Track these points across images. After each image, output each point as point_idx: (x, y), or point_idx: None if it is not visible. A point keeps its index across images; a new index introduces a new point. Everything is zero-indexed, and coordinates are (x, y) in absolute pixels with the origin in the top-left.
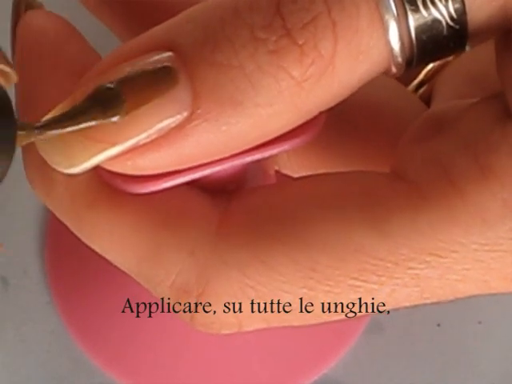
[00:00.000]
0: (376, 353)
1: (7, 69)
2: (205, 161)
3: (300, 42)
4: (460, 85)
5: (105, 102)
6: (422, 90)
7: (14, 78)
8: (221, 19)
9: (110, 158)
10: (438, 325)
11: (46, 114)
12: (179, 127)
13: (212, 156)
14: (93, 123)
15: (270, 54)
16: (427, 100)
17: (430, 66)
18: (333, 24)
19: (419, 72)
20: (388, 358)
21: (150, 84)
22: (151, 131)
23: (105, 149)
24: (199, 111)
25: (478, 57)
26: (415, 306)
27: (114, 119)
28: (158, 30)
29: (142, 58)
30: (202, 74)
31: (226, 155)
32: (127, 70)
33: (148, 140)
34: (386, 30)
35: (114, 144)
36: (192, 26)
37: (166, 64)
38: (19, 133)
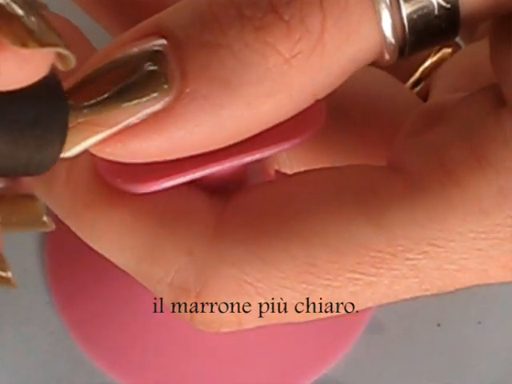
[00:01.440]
0: (376, 353)
1: (66, 52)
2: (201, 149)
3: (286, 18)
4: (456, 81)
5: (147, 80)
6: (418, 88)
7: (73, 61)
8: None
9: (101, 140)
10: (438, 325)
11: None
12: (169, 108)
13: (207, 145)
14: (137, 101)
15: (256, 31)
16: (424, 97)
17: (427, 63)
18: (320, 0)
19: (416, 70)
20: (388, 358)
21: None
22: (140, 113)
23: (96, 131)
24: (188, 90)
25: (473, 53)
26: (415, 306)
27: (155, 95)
28: (149, 20)
29: (133, 45)
30: (191, 54)
31: (223, 144)
32: (118, 54)
33: (137, 121)
34: (375, 9)
35: (104, 126)
36: (181, 10)
37: (156, 48)
38: (71, 113)
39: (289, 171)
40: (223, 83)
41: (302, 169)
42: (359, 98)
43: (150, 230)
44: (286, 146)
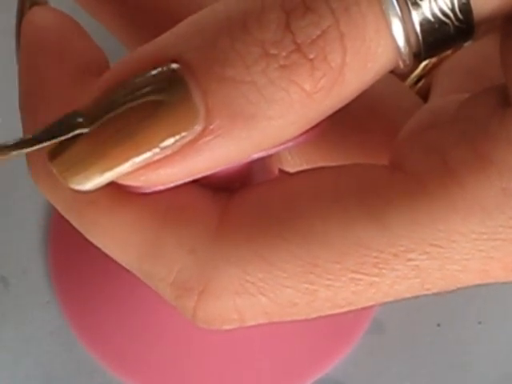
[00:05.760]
0: (376, 353)
1: None
2: (215, 170)
3: (311, 57)
4: (458, 79)
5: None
6: (420, 84)
7: None
8: (230, 34)
9: (123, 174)
10: (438, 325)
11: (48, 110)
12: (192, 143)
13: (222, 166)
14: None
15: (281, 69)
16: (425, 94)
17: (428, 60)
18: (341, 36)
19: (417, 66)
20: (388, 359)
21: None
22: (164, 148)
23: (119, 165)
24: (212, 126)
25: (475, 51)
26: (415, 307)
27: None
28: (164, 41)
29: (149, 72)
30: (214, 89)
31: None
32: (135, 82)
33: (162, 156)
34: (393, 37)
35: (127, 161)
36: (200, 39)
37: (176, 77)
38: None
39: (291, 169)
40: (247, 119)
41: (305, 167)
42: (361, 96)
43: (153, 229)
44: (290, 144)
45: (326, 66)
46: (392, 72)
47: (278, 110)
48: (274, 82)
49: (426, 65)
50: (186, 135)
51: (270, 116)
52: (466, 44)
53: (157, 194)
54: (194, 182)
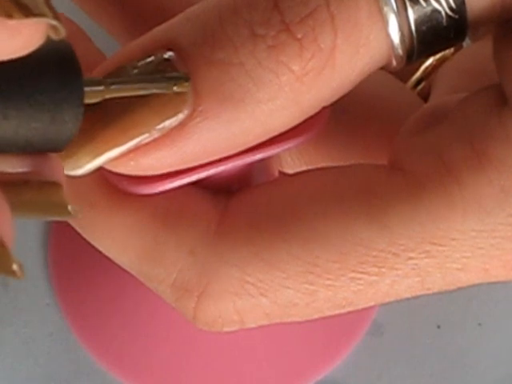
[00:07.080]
0: (376, 354)
1: (53, 22)
2: (209, 159)
3: (299, 36)
4: (458, 80)
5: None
6: (420, 87)
7: (62, 31)
8: (219, 17)
9: (113, 158)
10: (438, 326)
11: None
12: (181, 126)
13: (216, 154)
14: (158, 91)
15: (269, 50)
16: (426, 97)
17: (428, 62)
18: (331, 17)
19: (417, 69)
20: (388, 360)
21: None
22: (153, 130)
23: (108, 149)
24: (200, 109)
25: (475, 53)
26: (415, 308)
27: (176, 89)
28: (158, 31)
29: (144, 59)
30: (203, 72)
31: (231, 153)
32: (129, 69)
33: (150, 139)
34: (385, 22)
35: (116, 144)
36: (191, 24)
37: (167, 64)
38: (94, 88)
39: (291, 171)
40: (235, 101)
41: (304, 168)
42: (361, 97)
43: (152, 230)
44: (289, 145)
45: (315, 47)
46: (391, 73)
47: (267, 92)
48: (262, 63)
49: (427, 68)
50: (175, 118)
51: (258, 99)
52: (465, 45)
53: (156, 196)
54: (194, 184)
